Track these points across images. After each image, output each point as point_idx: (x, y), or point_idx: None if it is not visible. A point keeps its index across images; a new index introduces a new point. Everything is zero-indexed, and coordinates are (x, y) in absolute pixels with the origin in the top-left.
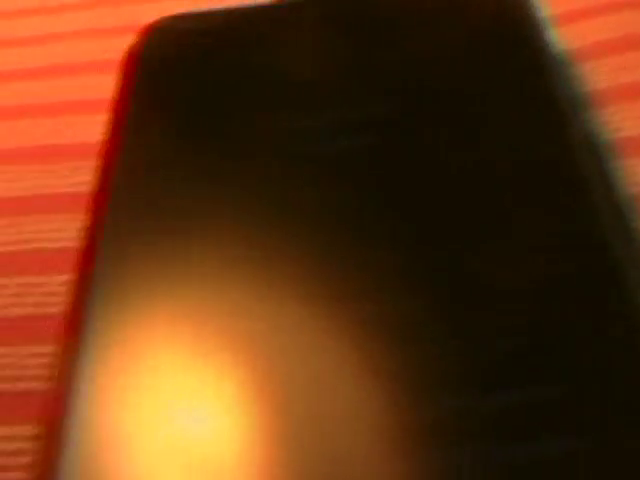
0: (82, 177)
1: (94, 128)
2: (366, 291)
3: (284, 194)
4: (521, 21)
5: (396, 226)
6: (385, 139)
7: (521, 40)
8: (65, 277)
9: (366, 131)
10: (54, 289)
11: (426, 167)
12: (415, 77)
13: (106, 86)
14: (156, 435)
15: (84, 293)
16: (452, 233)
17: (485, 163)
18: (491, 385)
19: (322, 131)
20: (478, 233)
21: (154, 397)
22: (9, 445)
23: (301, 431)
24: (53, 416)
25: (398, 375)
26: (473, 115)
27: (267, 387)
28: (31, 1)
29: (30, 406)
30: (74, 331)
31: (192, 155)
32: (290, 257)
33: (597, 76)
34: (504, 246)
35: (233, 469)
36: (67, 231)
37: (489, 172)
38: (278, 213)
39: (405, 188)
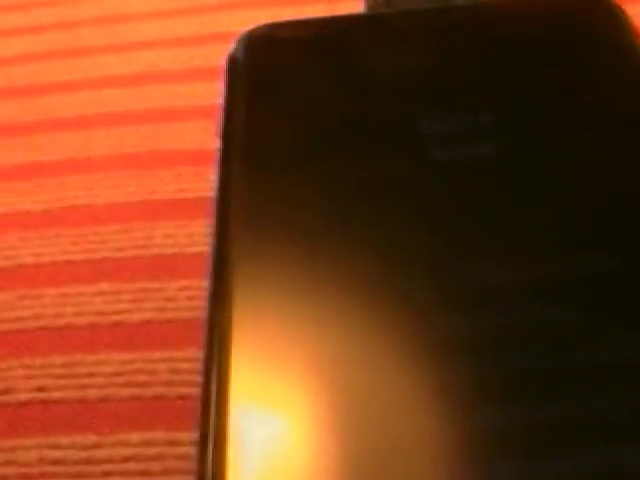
0: (185, 184)
1: (192, 135)
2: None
3: (412, 203)
4: (620, 28)
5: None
6: (505, 147)
7: (622, 48)
8: (182, 283)
9: (483, 140)
10: (172, 294)
11: (549, 177)
12: (520, 86)
13: (194, 93)
14: (313, 437)
15: (221, 299)
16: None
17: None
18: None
19: (441, 138)
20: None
21: (305, 398)
22: (149, 450)
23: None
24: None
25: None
26: (590, 124)
27: None
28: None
29: (162, 411)
30: (216, 336)
31: (309, 162)
32: (417, 274)
33: None
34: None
35: None
36: (177, 237)
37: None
38: (407, 224)
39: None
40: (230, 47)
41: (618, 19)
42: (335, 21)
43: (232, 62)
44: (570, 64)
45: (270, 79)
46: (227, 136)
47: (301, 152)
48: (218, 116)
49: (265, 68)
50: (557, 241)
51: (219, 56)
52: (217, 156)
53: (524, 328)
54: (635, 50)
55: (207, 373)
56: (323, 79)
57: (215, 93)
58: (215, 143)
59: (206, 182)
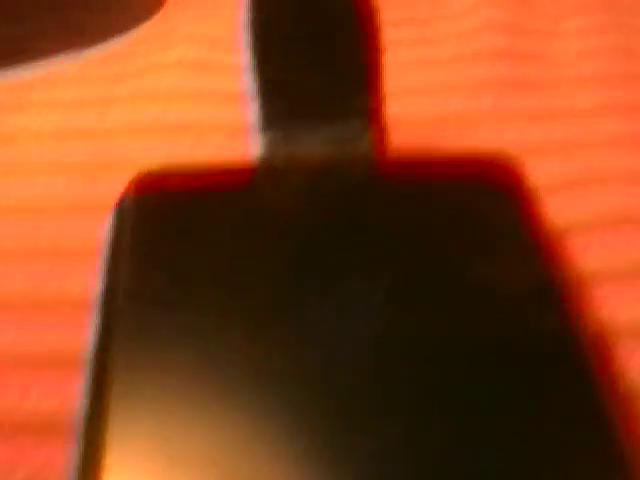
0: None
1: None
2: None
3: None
4: (513, 199)
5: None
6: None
7: (513, 221)
8: None
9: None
10: None
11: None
12: (401, 259)
13: (82, 231)
14: None
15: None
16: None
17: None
18: None
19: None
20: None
21: None
22: None
23: None
24: None
25: None
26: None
27: None
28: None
29: None
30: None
31: (187, 324)
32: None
33: (587, 254)
34: None
35: None
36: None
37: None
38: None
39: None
40: (123, 180)
41: (506, 202)
42: (226, 171)
43: (119, 210)
44: (455, 247)
45: (158, 231)
46: (107, 292)
47: (181, 309)
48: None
49: (153, 219)
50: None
51: (111, 190)
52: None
53: None
54: (518, 237)
55: None
56: (210, 235)
57: (100, 235)
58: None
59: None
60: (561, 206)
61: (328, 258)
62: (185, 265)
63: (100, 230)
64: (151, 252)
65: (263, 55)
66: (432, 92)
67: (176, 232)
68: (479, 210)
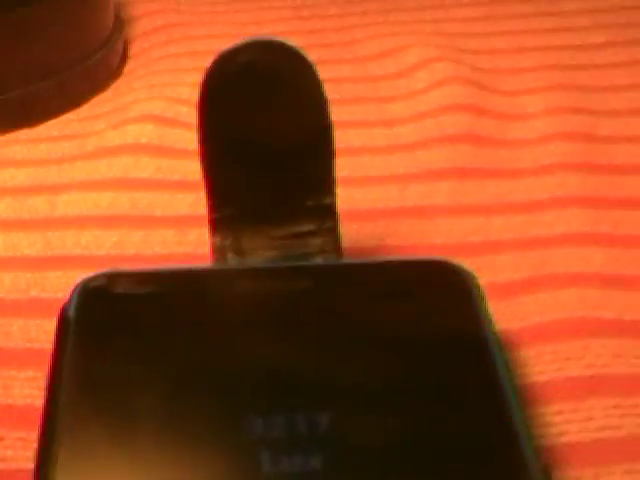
0: (8, 451)
1: (21, 389)
2: None
3: None
4: (462, 298)
5: None
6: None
7: (463, 320)
8: None
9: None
10: None
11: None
12: (360, 366)
13: (28, 333)
14: None
15: None
16: None
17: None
18: None
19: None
20: None
21: None
22: None
23: None
24: None
25: None
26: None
27: None
28: None
29: None
30: None
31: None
32: None
33: (539, 365)
34: None
35: None
36: None
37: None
38: None
39: None
40: (71, 275)
41: (463, 283)
42: (171, 274)
43: (64, 316)
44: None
45: (102, 338)
46: (52, 401)
47: (130, 416)
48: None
49: (97, 325)
50: None
51: (59, 285)
52: (41, 418)
53: None
54: (476, 318)
55: None
56: (156, 339)
57: (49, 335)
58: (42, 399)
59: (30, 450)
60: (514, 309)
61: (269, 359)
62: (129, 366)
63: (47, 331)
64: (96, 355)
65: (213, 159)
66: (388, 181)
67: (121, 334)
68: (428, 311)
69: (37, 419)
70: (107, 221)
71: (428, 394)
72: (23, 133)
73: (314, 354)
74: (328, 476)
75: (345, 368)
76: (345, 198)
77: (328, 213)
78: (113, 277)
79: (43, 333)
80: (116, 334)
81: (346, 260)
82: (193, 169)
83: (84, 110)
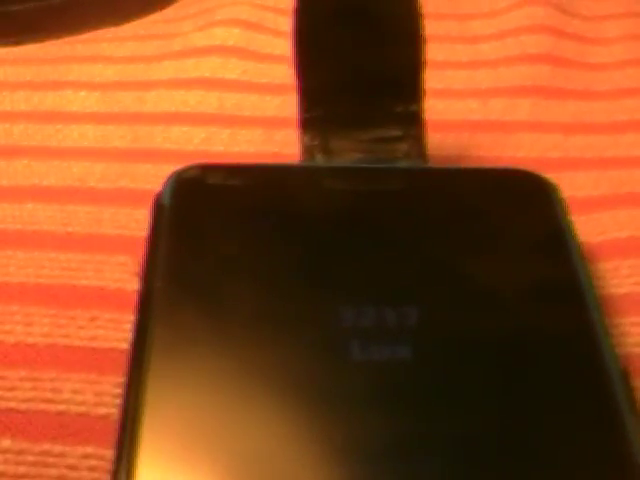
0: (99, 330)
1: (111, 272)
2: None
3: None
4: (546, 208)
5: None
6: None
7: (547, 230)
8: (86, 449)
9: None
10: (74, 462)
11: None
12: (442, 258)
13: (118, 220)
14: None
15: None
16: None
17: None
18: None
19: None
20: None
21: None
22: None
23: None
24: None
25: None
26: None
27: None
28: None
29: None
30: None
31: (231, 315)
32: None
33: (617, 279)
34: None
35: None
36: (86, 394)
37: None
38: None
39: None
40: (160, 168)
41: (546, 194)
42: (263, 170)
43: (159, 204)
44: (496, 239)
45: (197, 227)
46: (148, 285)
47: (223, 307)
48: (139, 253)
49: (192, 214)
50: None
51: (148, 177)
52: (136, 301)
53: None
54: (560, 228)
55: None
56: (248, 232)
57: (139, 223)
58: (134, 283)
59: (120, 331)
60: (593, 224)
61: (358, 255)
62: (223, 255)
63: (137, 219)
64: (190, 244)
65: (305, 61)
66: (470, 95)
67: (215, 224)
68: (513, 217)
69: (128, 302)
70: (195, 118)
71: (513, 295)
72: (109, 31)
73: (402, 251)
74: (417, 366)
75: (432, 266)
76: (428, 109)
77: (415, 120)
78: (207, 169)
79: (133, 221)
80: (210, 223)
81: (434, 165)
82: (280, 73)
83: (169, 12)
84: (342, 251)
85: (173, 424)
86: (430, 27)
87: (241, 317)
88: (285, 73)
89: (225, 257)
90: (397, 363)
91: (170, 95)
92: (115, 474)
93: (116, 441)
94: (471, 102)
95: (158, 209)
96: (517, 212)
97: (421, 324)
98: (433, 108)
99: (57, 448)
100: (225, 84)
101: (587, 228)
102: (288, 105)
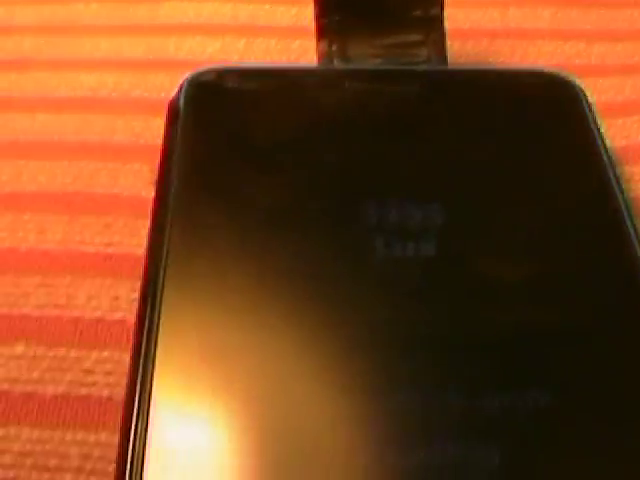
0: (114, 237)
1: (126, 179)
2: None
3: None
4: (573, 108)
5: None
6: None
7: (576, 132)
8: (102, 354)
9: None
10: (90, 366)
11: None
12: (470, 166)
13: (132, 129)
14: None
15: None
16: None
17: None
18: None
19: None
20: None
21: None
22: None
23: None
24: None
25: None
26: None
27: None
28: None
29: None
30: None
31: (249, 219)
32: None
33: None
34: None
35: None
36: (101, 299)
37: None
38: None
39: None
40: (174, 78)
41: (577, 96)
42: (281, 72)
43: (174, 109)
44: (525, 143)
45: (214, 131)
46: (161, 190)
47: (242, 209)
48: (154, 161)
49: (209, 118)
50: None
51: (162, 87)
52: (151, 208)
53: None
54: (589, 130)
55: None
56: (266, 132)
57: (154, 131)
58: (149, 191)
59: (136, 237)
60: (617, 129)
61: (381, 154)
62: (241, 157)
63: (151, 128)
64: (207, 148)
65: None
66: (489, 4)
67: (232, 127)
68: (540, 117)
69: (143, 209)
70: (209, 29)
71: (543, 196)
72: None
73: (428, 150)
74: (439, 260)
75: (457, 167)
76: (446, 17)
77: (435, 24)
78: (223, 71)
79: (147, 130)
80: (227, 127)
81: (457, 66)
82: None
83: None
84: (365, 150)
85: (190, 331)
86: None
87: (261, 220)
88: None
89: (243, 159)
90: (421, 259)
91: (183, 7)
92: (131, 382)
93: (132, 349)
94: (490, 11)
95: (173, 114)
96: (544, 112)
97: (444, 223)
98: (451, 17)
99: (72, 353)
100: None
101: (611, 132)
102: (303, 16)
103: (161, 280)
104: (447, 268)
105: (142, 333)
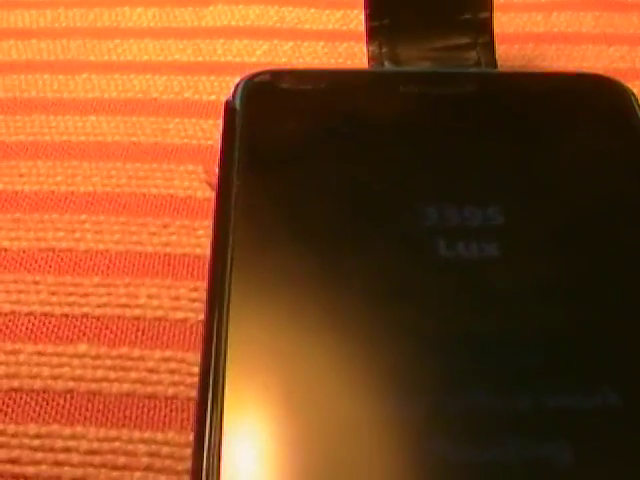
0: (172, 237)
1: (181, 180)
2: None
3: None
4: (624, 113)
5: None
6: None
7: (627, 136)
8: (165, 353)
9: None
10: (154, 365)
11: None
12: (523, 169)
13: (185, 130)
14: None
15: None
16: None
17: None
18: None
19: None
20: None
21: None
22: None
23: None
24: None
25: None
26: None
27: None
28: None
29: None
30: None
31: (308, 218)
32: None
33: None
34: None
35: None
36: (162, 299)
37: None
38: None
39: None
40: (223, 80)
41: (626, 99)
42: (335, 74)
43: (231, 109)
44: (577, 145)
45: (271, 131)
46: (223, 189)
47: (301, 207)
48: (208, 161)
49: (266, 118)
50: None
51: (212, 89)
52: (212, 207)
53: None
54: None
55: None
56: (323, 134)
57: (206, 132)
58: (204, 191)
59: (193, 237)
60: None
61: (436, 156)
62: (300, 158)
63: (203, 129)
64: (265, 148)
65: None
66: (533, 8)
67: (289, 127)
68: (591, 121)
69: (199, 209)
70: (256, 32)
71: (596, 197)
72: None
73: (484, 154)
74: (507, 262)
75: (513, 169)
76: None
77: (484, 27)
78: (278, 73)
79: (200, 131)
80: (284, 127)
81: (508, 69)
82: None
83: None
84: (420, 153)
85: (259, 333)
86: None
87: (322, 219)
88: None
89: (302, 160)
90: (486, 259)
91: (229, 10)
92: (203, 387)
93: (202, 353)
94: (534, 15)
95: (230, 114)
96: (595, 116)
97: (506, 223)
98: (496, 20)
99: (135, 352)
100: None
101: None
102: (348, 19)
103: (227, 282)
104: (510, 270)
105: (211, 340)
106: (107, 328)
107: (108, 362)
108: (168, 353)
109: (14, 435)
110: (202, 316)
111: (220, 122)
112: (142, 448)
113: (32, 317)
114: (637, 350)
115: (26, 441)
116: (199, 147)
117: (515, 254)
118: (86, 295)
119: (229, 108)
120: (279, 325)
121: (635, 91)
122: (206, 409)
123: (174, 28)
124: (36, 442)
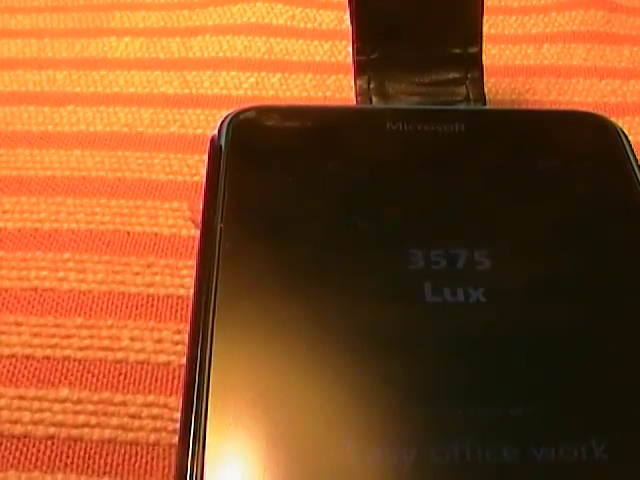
0: (156, 277)
1: (165, 218)
2: None
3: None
4: (612, 150)
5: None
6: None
7: (615, 173)
8: (148, 398)
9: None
10: (136, 410)
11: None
12: (510, 201)
13: (170, 165)
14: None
15: None
16: None
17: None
18: None
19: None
20: None
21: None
22: None
23: None
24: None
25: None
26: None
27: None
28: None
29: None
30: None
31: (293, 262)
32: None
33: None
34: None
35: None
36: (144, 341)
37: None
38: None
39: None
40: (210, 114)
41: (615, 137)
42: (321, 111)
43: (216, 146)
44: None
45: (256, 168)
46: (206, 230)
47: (286, 249)
48: (193, 198)
49: (250, 155)
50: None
51: (198, 123)
52: (196, 246)
53: None
54: (628, 168)
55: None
56: (308, 174)
57: (192, 168)
58: (189, 229)
59: (177, 277)
60: None
61: (424, 196)
62: (285, 196)
63: (189, 165)
64: (250, 185)
65: (361, 2)
66: (523, 40)
67: (275, 165)
68: (580, 159)
69: (183, 248)
70: (244, 63)
71: (585, 237)
72: None
73: (470, 195)
74: (492, 307)
75: (501, 211)
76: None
77: (474, 62)
78: (263, 110)
79: (185, 166)
80: (269, 165)
81: (496, 107)
82: (327, 19)
83: None
84: (407, 192)
85: (242, 371)
86: None
87: (307, 260)
88: (332, 18)
89: (287, 198)
90: (472, 304)
91: (217, 41)
92: (185, 424)
93: (184, 391)
94: (524, 47)
95: (215, 151)
96: (584, 154)
97: (492, 268)
98: (486, 53)
99: (117, 397)
100: (272, 29)
101: None
102: (337, 51)
103: (210, 323)
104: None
105: (193, 381)
106: (89, 372)
107: (90, 407)
108: (150, 398)
109: None
110: (184, 360)
111: (205, 158)
112: None
113: (14, 359)
114: (625, 401)
115: None
116: (184, 183)
117: (501, 300)
118: (68, 337)
119: (214, 146)
120: (262, 371)
121: (626, 127)
122: (187, 461)
123: (161, 59)
124: None
